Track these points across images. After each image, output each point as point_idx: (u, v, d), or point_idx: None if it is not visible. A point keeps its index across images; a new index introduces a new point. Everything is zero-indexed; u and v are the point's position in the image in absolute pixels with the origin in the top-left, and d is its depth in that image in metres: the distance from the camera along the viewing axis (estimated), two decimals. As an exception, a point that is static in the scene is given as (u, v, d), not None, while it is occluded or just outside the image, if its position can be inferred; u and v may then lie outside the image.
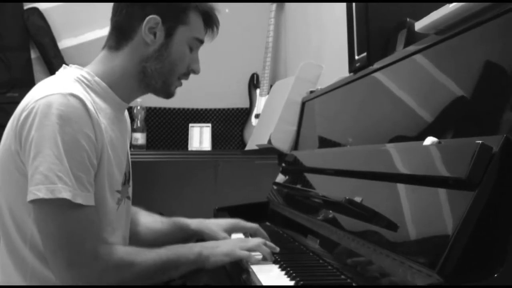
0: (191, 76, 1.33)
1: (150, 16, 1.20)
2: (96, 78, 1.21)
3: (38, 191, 1.04)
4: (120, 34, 1.23)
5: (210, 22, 1.30)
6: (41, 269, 1.12)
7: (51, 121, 1.05)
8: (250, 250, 1.23)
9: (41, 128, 1.06)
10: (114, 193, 1.21)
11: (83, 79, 1.19)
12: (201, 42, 1.29)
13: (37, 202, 1.05)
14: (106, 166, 1.16)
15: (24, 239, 1.13)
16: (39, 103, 1.07)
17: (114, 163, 1.19)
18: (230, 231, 1.46)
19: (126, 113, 1.37)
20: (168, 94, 1.30)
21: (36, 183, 1.04)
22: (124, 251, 1.15)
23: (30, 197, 1.05)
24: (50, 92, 1.09)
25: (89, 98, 1.14)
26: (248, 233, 1.48)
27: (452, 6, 0.93)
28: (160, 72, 1.24)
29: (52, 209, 1.06)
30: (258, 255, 1.24)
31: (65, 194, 1.04)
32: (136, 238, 1.40)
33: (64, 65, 1.25)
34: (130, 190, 1.33)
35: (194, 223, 1.47)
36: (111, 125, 1.20)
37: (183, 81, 1.32)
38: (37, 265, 1.12)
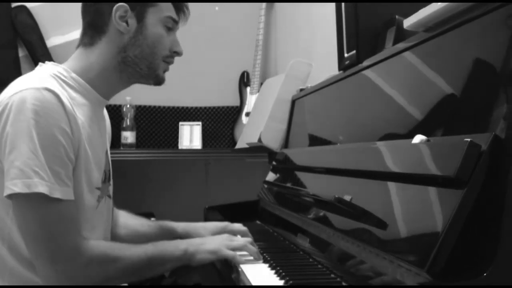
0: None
1: (118, 5, 1.20)
2: (73, 74, 1.20)
3: (14, 186, 1.03)
4: (93, 31, 1.23)
5: (179, 3, 1.29)
6: (20, 270, 1.11)
7: (25, 116, 1.04)
8: (236, 249, 1.23)
9: (15, 123, 1.05)
10: (94, 190, 1.20)
11: (59, 75, 1.18)
12: (175, 21, 1.28)
13: (15, 197, 1.05)
14: (84, 162, 1.14)
15: (2, 239, 1.12)
16: (13, 98, 1.07)
17: (92, 160, 1.18)
18: (218, 234, 1.45)
19: (105, 112, 1.36)
20: (157, 78, 1.28)
21: (12, 178, 1.03)
22: (108, 246, 1.14)
23: (7, 192, 1.04)
24: (24, 87, 1.08)
25: (65, 93, 1.13)
26: (237, 236, 1.47)
27: (441, 3, 0.92)
28: (141, 57, 1.23)
29: (30, 204, 1.05)
30: (245, 254, 1.23)
31: (42, 189, 1.03)
32: (118, 241, 1.38)
33: (40, 63, 1.24)
34: (111, 188, 1.32)
35: (181, 226, 1.46)
36: (89, 121, 1.19)
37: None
38: (16, 265, 1.11)
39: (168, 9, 1.26)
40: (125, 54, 1.22)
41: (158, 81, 1.29)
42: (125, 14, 1.21)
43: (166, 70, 1.29)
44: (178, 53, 1.29)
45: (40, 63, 1.24)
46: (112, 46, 1.22)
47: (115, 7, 1.20)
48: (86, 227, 1.17)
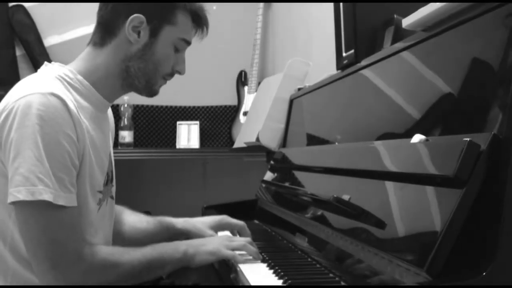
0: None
1: (134, 15, 1.18)
2: (79, 77, 1.19)
3: (18, 193, 1.02)
4: (105, 30, 1.21)
5: (200, 22, 1.27)
6: (22, 271, 1.11)
7: (31, 122, 1.03)
8: (236, 249, 1.22)
9: (21, 128, 1.04)
10: (96, 194, 1.19)
11: (65, 77, 1.17)
12: (188, 43, 1.26)
13: (18, 204, 1.04)
14: (88, 166, 1.14)
15: (4, 241, 1.11)
16: (19, 103, 1.05)
17: (96, 164, 1.18)
18: (216, 228, 1.45)
19: (110, 111, 1.35)
20: (151, 93, 1.27)
21: (16, 185, 1.02)
22: (108, 252, 1.13)
23: (11, 199, 1.03)
24: (30, 91, 1.07)
25: (70, 97, 1.12)
26: (235, 230, 1.47)
27: (440, 3, 0.92)
28: (144, 72, 1.22)
29: (33, 211, 1.04)
30: (244, 254, 1.23)
31: (46, 196, 1.02)
32: (120, 238, 1.38)
33: (46, 62, 1.22)
34: (113, 189, 1.31)
35: (180, 222, 1.46)
36: (93, 124, 1.19)
37: (173, 81, 1.30)
38: (18, 267, 1.11)
39: (185, 30, 1.24)
40: (129, 64, 1.21)
41: (152, 94, 1.28)
42: (140, 25, 1.19)
43: (162, 84, 1.28)
44: (179, 72, 1.28)
45: (46, 63, 1.22)
46: (119, 52, 1.20)
47: (131, 17, 1.18)
48: (90, 230, 1.17)
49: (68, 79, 1.17)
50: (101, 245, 1.19)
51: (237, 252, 1.22)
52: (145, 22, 1.19)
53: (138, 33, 1.19)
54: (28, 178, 1.02)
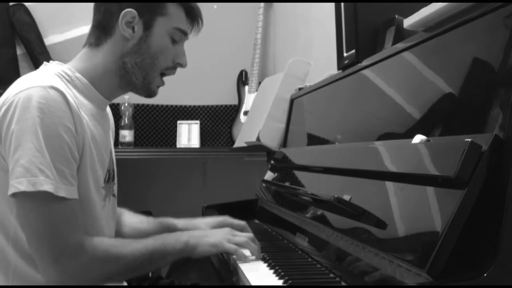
0: (179, 72, 1.31)
1: (126, 10, 1.19)
2: (77, 74, 1.19)
3: (19, 184, 1.02)
4: (100, 32, 1.22)
5: (192, 13, 1.27)
6: (24, 268, 1.11)
7: (31, 114, 1.04)
8: (238, 244, 1.22)
9: (21, 121, 1.04)
10: (100, 190, 1.19)
11: (64, 74, 1.17)
12: (184, 33, 1.26)
13: (19, 196, 1.04)
14: (89, 161, 1.14)
15: (7, 237, 1.11)
16: (19, 96, 1.06)
17: (97, 159, 1.18)
18: (217, 228, 1.45)
19: (109, 110, 1.35)
20: (149, 92, 1.27)
21: (17, 176, 1.03)
22: (110, 244, 1.13)
23: (11, 190, 1.03)
24: (30, 85, 1.07)
25: (70, 93, 1.12)
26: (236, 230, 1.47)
27: (441, 3, 0.92)
28: (141, 66, 1.22)
29: (34, 202, 1.04)
30: (245, 250, 1.23)
31: (47, 187, 1.02)
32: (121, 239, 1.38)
33: (45, 62, 1.23)
34: (115, 188, 1.31)
35: (181, 223, 1.46)
36: (93, 121, 1.19)
37: (171, 77, 1.30)
38: (20, 263, 1.11)
39: (178, 20, 1.24)
40: (126, 60, 1.21)
41: (150, 94, 1.27)
42: (133, 20, 1.19)
43: (160, 85, 1.27)
44: (181, 65, 1.27)
45: (44, 62, 1.23)
46: (116, 50, 1.21)
47: (123, 12, 1.18)
48: (95, 226, 1.17)
49: (67, 77, 1.18)
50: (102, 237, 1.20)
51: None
52: (137, 16, 1.20)
53: (133, 28, 1.20)
54: (29, 169, 1.02)
